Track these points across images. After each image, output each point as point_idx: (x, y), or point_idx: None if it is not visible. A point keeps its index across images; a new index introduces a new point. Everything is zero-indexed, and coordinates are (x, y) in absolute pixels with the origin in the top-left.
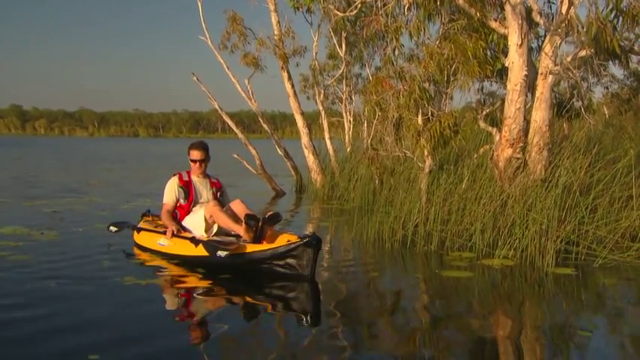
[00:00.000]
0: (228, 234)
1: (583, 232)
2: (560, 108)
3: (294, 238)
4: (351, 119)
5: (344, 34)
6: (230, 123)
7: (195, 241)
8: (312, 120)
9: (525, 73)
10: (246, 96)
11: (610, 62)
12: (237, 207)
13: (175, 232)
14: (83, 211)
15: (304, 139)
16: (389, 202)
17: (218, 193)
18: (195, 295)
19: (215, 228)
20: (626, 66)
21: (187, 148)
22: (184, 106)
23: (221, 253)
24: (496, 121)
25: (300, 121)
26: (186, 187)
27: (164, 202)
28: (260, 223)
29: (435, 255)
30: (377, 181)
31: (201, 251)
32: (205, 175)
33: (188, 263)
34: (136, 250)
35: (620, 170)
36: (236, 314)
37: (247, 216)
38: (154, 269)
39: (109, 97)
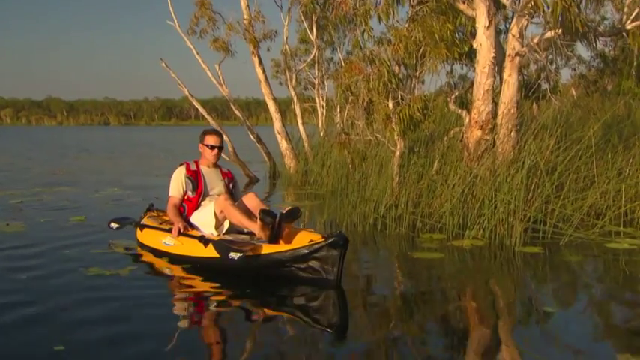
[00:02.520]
0: (240, 231)
1: (549, 211)
2: (527, 89)
3: (317, 237)
4: (324, 104)
5: (314, 18)
6: (201, 109)
7: (204, 240)
8: (286, 106)
9: (493, 55)
10: (217, 82)
11: (577, 44)
12: (251, 201)
13: (182, 230)
14: (51, 202)
15: (277, 124)
16: (362, 187)
17: (230, 185)
18: (166, 285)
19: (226, 225)
20: (593, 48)
21: (200, 135)
22: (156, 93)
23: (234, 255)
24: (466, 103)
25: (272, 107)
26: (195, 177)
27: (170, 195)
28: (277, 220)
29: (407, 237)
30: (350, 166)
31: (211, 252)
32: (216, 165)
33: (197, 265)
34: (139, 249)
35: (583, 150)
36: (227, 311)
37: (262, 212)
38: (122, 259)
39: (77, 85)
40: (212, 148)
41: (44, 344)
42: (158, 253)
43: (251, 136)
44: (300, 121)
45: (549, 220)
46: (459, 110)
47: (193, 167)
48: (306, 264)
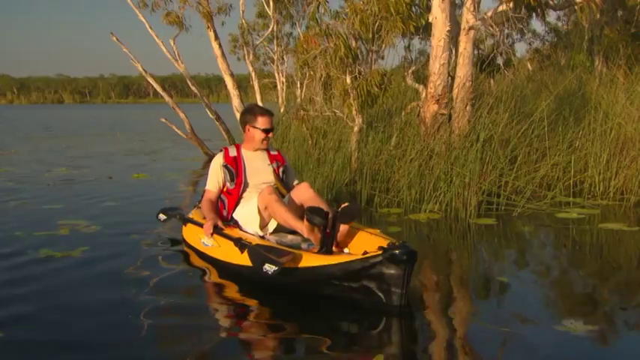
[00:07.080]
0: (293, 231)
1: (503, 183)
2: (482, 64)
3: (373, 245)
4: (284, 80)
5: None
6: (155, 86)
7: (241, 244)
8: (247, 82)
9: (448, 28)
10: (173, 58)
11: (531, 18)
12: (303, 194)
13: (215, 229)
14: None
15: (235, 101)
16: (321, 163)
17: (280, 170)
18: (120, 271)
19: (273, 224)
20: (542, 19)
21: (245, 114)
22: (112, 69)
23: (268, 269)
24: (423, 78)
25: (229, 83)
26: (234, 165)
27: (206, 187)
28: (330, 220)
29: (365, 212)
30: (309, 142)
31: (246, 260)
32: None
33: (234, 274)
34: (184, 247)
35: (536, 123)
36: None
37: (310, 210)
38: (72, 240)
39: (27, 62)
40: (265, 131)
41: None
42: (199, 255)
43: (209, 114)
44: (259, 97)
45: (503, 192)
46: (416, 85)
47: (233, 152)
48: (359, 283)
